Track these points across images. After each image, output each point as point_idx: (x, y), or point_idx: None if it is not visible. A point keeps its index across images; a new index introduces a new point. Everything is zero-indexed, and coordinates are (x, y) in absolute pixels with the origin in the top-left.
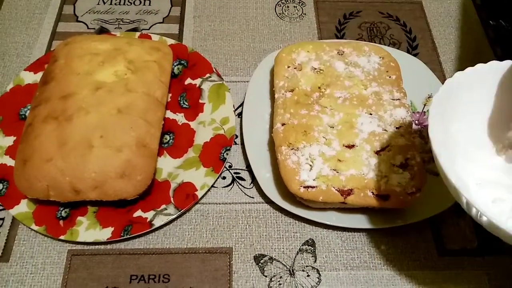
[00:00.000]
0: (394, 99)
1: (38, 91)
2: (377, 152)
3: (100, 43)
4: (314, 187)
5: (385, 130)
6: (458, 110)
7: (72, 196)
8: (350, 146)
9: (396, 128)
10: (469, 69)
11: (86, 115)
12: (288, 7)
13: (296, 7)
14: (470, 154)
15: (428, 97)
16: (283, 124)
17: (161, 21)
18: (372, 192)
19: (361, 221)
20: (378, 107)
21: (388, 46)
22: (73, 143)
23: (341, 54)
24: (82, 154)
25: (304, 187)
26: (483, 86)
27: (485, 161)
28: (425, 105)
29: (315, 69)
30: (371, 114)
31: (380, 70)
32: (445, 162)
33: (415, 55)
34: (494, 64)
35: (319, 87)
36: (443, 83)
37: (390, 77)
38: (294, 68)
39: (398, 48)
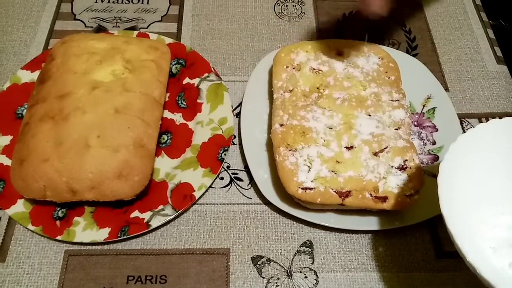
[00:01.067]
0: (393, 100)
1: (35, 90)
2: (375, 154)
3: (98, 42)
4: (312, 188)
5: (383, 131)
6: (468, 170)
7: (69, 196)
8: (349, 148)
9: (395, 129)
10: (481, 125)
11: (83, 115)
12: (287, 6)
13: (295, 6)
14: (482, 214)
15: (427, 98)
16: (281, 125)
17: (160, 19)
18: (370, 194)
19: (359, 222)
20: (377, 108)
21: (388, 46)
22: (70, 143)
23: (340, 55)
24: (79, 154)
25: (302, 188)
26: (496, 141)
27: (499, 218)
28: (424, 106)
29: (314, 69)
30: (369, 115)
31: (379, 70)
32: (460, 238)
33: (414, 55)
34: (510, 120)
35: (317, 88)
36: (442, 84)
37: (389, 77)
38: (293, 68)
39: (397, 49)
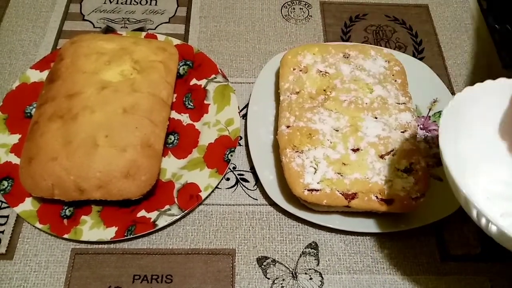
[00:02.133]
0: (399, 103)
1: (44, 89)
2: (381, 156)
3: (107, 42)
4: (318, 190)
5: (390, 134)
6: (467, 125)
7: (77, 195)
8: (355, 150)
9: (401, 132)
10: (477, 84)
11: (92, 114)
12: (294, 9)
13: (302, 9)
14: (479, 168)
15: (433, 102)
16: (288, 127)
17: (167, 21)
18: (376, 196)
19: (364, 225)
20: (383, 111)
21: (394, 49)
22: (78, 142)
23: (347, 57)
24: (87, 153)
25: (308, 190)
26: (492, 102)
27: (494, 174)
28: (430, 109)
29: (321, 71)
30: (376, 118)
31: (386, 73)
32: (456, 174)
33: (420, 59)
34: (502, 80)
35: (324, 90)
36: (448, 88)
37: (395, 81)
38: (300, 71)
39: (403, 52)
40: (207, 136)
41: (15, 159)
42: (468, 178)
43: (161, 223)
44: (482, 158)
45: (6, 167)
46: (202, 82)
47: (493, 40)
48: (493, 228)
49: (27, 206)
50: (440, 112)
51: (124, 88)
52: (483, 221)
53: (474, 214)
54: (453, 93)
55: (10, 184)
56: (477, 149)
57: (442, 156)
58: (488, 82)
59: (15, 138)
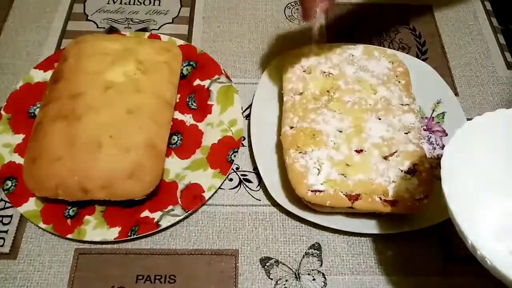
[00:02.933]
0: (403, 104)
1: (48, 89)
2: (385, 157)
3: (110, 42)
4: (321, 191)
5: (393, 135)
6: (472, 158)
7: (81, 195)
8: (359, 151)
9: (405, 133)
10: (477, 118)
11: (96, 115)
12: (297, 9)
13: None
14: (485, 200)
15: (437, 103)
16: (291, 127)
17: (171, 21)
18: (380, 198)
19: (368, 226)
20: (387, 112)
21: (397, 50)
22: (82, 142)
23: (351, 58)
24: (91, 154)
25: (311, 191)
26: (495, 132)
27: (500, 207)
28: (433, 110)
29: (324, 72)
30: (380, 119)
31: (390, 74)
32: (462, 219)
33: (424, 60)
34: (500, 112)
35: (328, 91)
36: (452, 89)
37: (399, 82)
38: (303, 71)
39: (407, 53)
40: (211, 136)
41: (18, 159)
42: (476, 211)
43: (164, 223)
44: (492, 190)
45: (9, 167)
46: (206, 83)
47: (497, 41)
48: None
49: (31, 206)
50: (444, 113)
51: (128, 89)
52: (489, 264)
53: (479, 257)
54: (456, 94)
55: (13, 184)
56: (485, 182)
57: (445, 200)
58: (488, 114)
59: (19, 138)
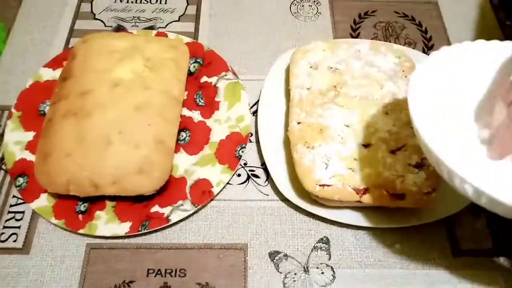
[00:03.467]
0: None
1: (58, 87)
2: (392, 152)
3: (118, 40)
4: (329, 185)
5: (401, 129)
6: (442, 87)
7: (92, 190)
8: (366, 145)
9: (412, 127)
10: (453, 46)
11: (105, 112)
12: (303, 6)
13: (311, 6)
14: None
15: None
16: (298, 123)
17: (177, 19)
18: (388, 192)
19: (375, 220)
20: (394, 107)
21: (404, 45)
22: (92, 138)
23: (358, 53)
24: (101, 150)
25: (319, 185)
26: (470, 65)
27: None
28: None
29: (331, 68)
30: (387, 113)
31: (396, 70)
32: (426, 134)
33: None
34: (481, 42)
35: (334, 86)
36: None
37: (406, 76)
38: (310, 67)
39: (413, 48)
40: (218, 132)
41: (30, 156)
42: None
43: (174, 218)
44: (458, 124)
45: (21, 164)
46: (213, 80)
47: (503, 36)
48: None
49: (43, 202)
50: None
51: (136, 86)
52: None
53: (445, 173)
54: None
55: (25, 181)
56: (452, 116)
57: (411, 118)
58: (466, 43)
59: (29, 135)
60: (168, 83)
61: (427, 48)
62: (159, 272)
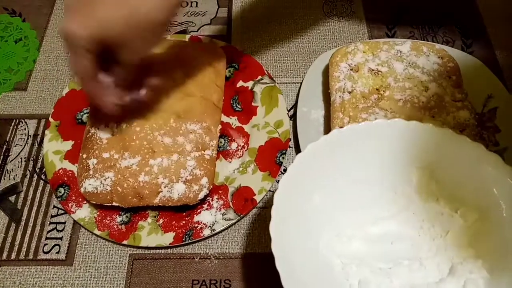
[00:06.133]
0: (456, 101)
1: None
2: None
3: None
4: None
5: None
6: (318, 181)
7: (136, 201)
8: None
9: (460, 130)
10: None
11: (146, 120)
12: (335, 5)
13: (344, 5)
14: (338, 227)
15: (488, 98)
16: (341, 127)
17: (209, 22)
18: None
19: None
20: (441, 110)
21: (441, 44)
22: (135, 148)
23: (399, 55)
24: (144, 160)
25: None
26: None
27: (353, 235)
28: (484, 106)
29: (373, 70)
30: (433, 116)
31: (440, 70)
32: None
33: (470, 53)
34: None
35: (377, 89)
36: (502, 81)
37: (450, 77)
38: (351, 70)
39: (451, 46)
40: (257, 138)
41: (70, 166)
42: (325, 241)
43: (217, 227)
44: (341, 214)
45: (61, 174)
46: (249, 84)
47: None
48: None
49: (84, 213)
50: (495, 109)
51: (176, 93)
52: None
53: None
54: (507, 88)
55: (66, 191)
56: (332, 205)
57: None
58: (332, 133)
59: (68, 145)
60: (207, 89)
61: (466, 46)
62: (203, 283)
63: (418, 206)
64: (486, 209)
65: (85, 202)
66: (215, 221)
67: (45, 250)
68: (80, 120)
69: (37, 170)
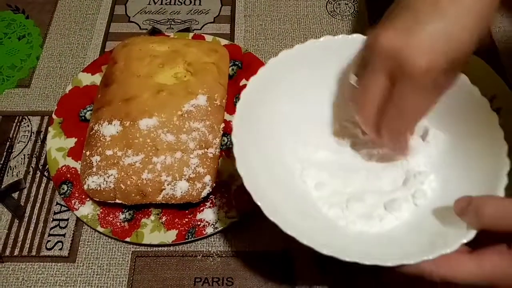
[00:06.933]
0: None
1: (100, 93)
2: None
3: (158, 45)
4: None
5: None
6: (286, 92)
7: (139, 198)
8: None
9: None
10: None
11: (150, 118)
12: (339, 4)
13: (347, 4)
14: (302, 135)
15: (492, 98)
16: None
17: (212, 20)
18: None
19: None
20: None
21: None
22: (138, 146)
23: None
24: (148, 157)
25: None
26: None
27: (317, 141)
28: None
29: None
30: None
31: None
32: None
33: (474, 53)
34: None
35: None
36: (505, 82)
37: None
38: None
39: None
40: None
41: (73, 163)
42: (288, 148)
43: (220, 225)
44: (307, 125)
45: (64, 171)
46: None
47: None
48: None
49: (87, 210)
50: (499, 109)
51: (180, 91)
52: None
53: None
54: (511, 88)
55: (69, 188)
56: (299, 114)
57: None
58: (298, 46)
59: (71, 142)
60: (211, 87)
61: None
62: (206, 281)
63: None
64: (451, 128)
65: (88, 199)
66: (218, 219)
67: (48, 247)
68: (83, 117)
69: (40, 167)
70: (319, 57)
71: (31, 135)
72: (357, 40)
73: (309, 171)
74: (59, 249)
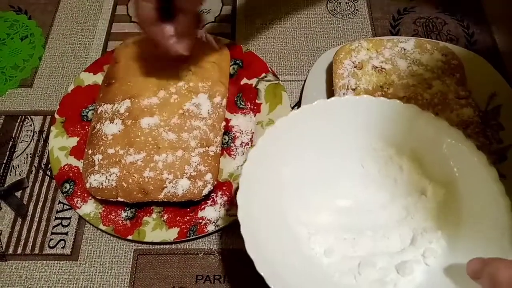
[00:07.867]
0: (459, 98)
1: (101, 92)
2: None
3: None
4: None
5: None
6: (287, 155)
7: (141, 197)
8: None
9: (464, 128)
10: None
11: (151, 117)
12: (340, 3)
13: (348, 3)
14: (306, 199)
15: (492, 95)
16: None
17: (213, 20)
18: None
19: None
20: (444, 107)
21: (445, 41)
22: (140, 145)
23: (403, 52)
24: (149, 156)
25: None
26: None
27: (319, 202)
28: (488, 103)
29: (377, 67)
30: (437, 114)
31: (444, 68)
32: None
33: (474, 50)
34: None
35: (381, 86)
36: (506, 79)
37: (454, 75)
38: (354, 67)
39: (455, 44)
40: (261, 135)
41: (75, 162)
42: (294, 214)
43: (221, 223)
44: (310, 189)
45: (67, 170)
46: (253, 82)
47: None
48: None
49: (89, 208)
50: (499, 107)
51: (181, 90)
52: None
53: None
54: (511, 86)
55: (71, 187)
56: (303, 179)
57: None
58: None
59: (73, 141)
60: (212, 86)
61: (470, 44)
62: (207, 278)
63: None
64: (450, 182)
65: (90, 197)
66: (219, 217)
67: (51, 245)
68: (85, 117)
69: (43, 166)
70: (317, 120)
71: (33, 135)
72: (350, 101)
73: (316, 237)
74: (62, 247)
